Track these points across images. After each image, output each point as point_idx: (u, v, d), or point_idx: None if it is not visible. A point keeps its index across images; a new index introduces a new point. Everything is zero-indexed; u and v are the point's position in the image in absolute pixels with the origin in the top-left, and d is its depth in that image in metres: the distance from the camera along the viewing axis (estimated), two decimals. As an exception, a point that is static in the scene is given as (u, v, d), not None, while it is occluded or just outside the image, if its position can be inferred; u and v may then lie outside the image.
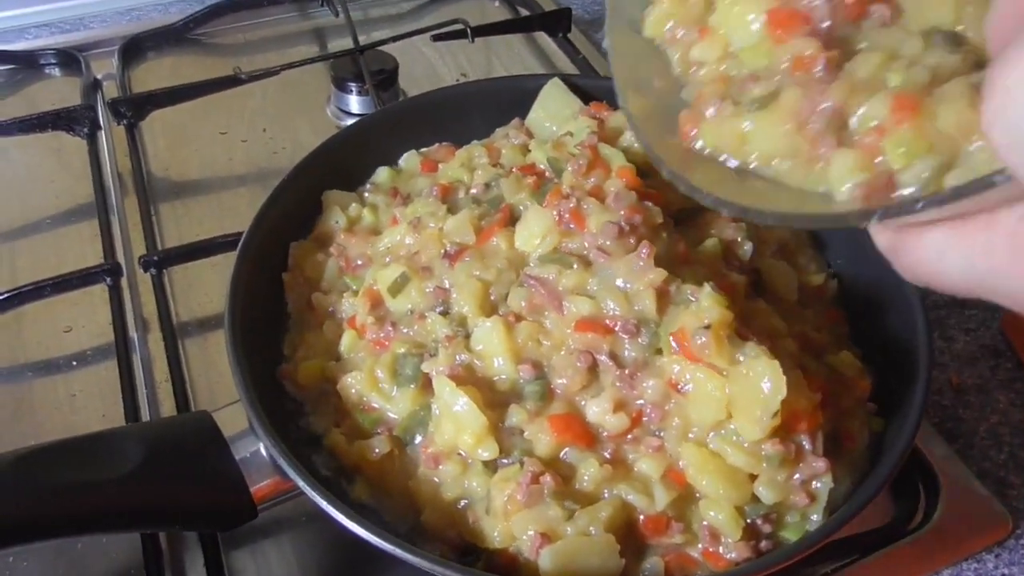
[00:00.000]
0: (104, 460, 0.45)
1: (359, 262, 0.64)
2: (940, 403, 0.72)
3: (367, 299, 0.60)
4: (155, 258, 0.75)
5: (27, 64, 0.99)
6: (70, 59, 0.98)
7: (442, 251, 0.58)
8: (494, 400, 0.52)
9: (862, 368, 0.58)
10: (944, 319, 0.78)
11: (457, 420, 0.51)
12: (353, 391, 0.56)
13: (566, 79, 0.73)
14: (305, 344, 0.62)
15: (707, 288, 0.50)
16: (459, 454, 0.51)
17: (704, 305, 0.49)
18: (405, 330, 0.57)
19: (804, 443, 0.50)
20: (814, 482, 0.50)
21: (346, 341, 0.59)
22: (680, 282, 0.52)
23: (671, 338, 0.50)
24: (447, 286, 0.57)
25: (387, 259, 0.61)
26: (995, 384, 0.73)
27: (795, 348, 0.56)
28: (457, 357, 0.53)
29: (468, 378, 0.52)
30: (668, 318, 0.51)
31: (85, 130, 0.88)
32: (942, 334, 0.77)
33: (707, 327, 0.48)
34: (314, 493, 0.47)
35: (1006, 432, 0.70)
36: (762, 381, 0.47)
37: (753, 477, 0.49)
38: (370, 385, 0.55)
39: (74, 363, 0.72)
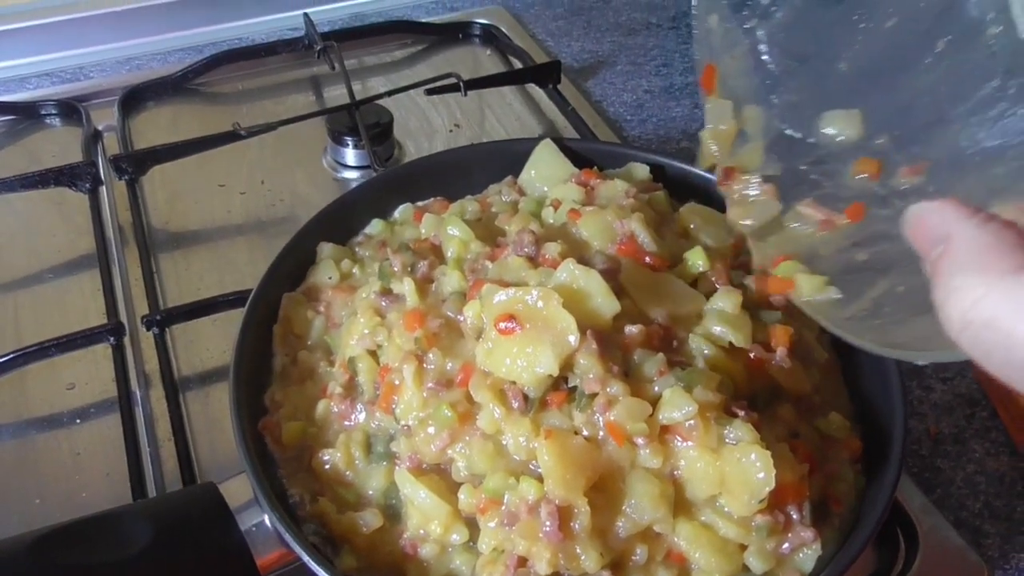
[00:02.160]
0: (115, 540, 0.47)
1: (340, 324, 0.65)
2: (919, 453, 0.75)
3: (343, 369, 0.61)
4: (157, 317, 0.77)
5: (28, 115, 1.01)
6: (71, 110, 1.00)
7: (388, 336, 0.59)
8: (459, 484, 0.53)
9: (851, 427, 0.60)
10: (922, 369, 0.81)
11: (422, 511, 0.53)
12: (328, 467, 0.57)
13: (559, 141, 0.76)
14: (289, 401, 0.62)
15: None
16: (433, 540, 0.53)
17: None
18: (359, 409, 0.58)
19: (792, 513, 0.52)
20: (801, 551, 0.52)
21: (320, 409, 0.60)
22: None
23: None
24: (396, 383, 0.57)
25: (353, 339, 0.61)
26: (971, 433, 0.76)
27: (792, 414, 0.58)
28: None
29: (432, 466, 0.54)
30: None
31: (87, 186, 0.89)
32: (920, 383, 0.80)
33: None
34: (325, 574, 0.49)
35: (982, 481, 0.73)
36: (755, 471, 0.49)
37: (743, 547, 0.51)
38: (346, 463, 0.57)
39: (77, 420, 0.73)
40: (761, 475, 0.48)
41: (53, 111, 1.01)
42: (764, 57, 0.54)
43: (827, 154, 0.52)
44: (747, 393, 0.58)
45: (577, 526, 0.49)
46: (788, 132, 0.51)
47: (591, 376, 0.51)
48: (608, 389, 0.51)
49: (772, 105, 0.55)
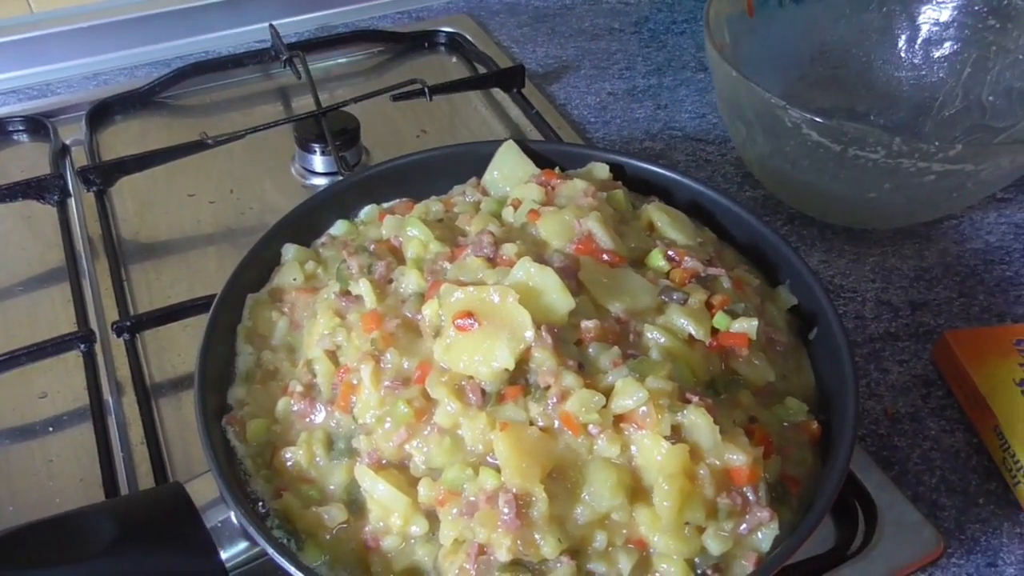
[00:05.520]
0: (78, 540, 0.47)
1: (303, 324, 0.66)
2: (877, 432, 0.77)
3: (305, 369, 0.62)
4: (128, 323, 0.77)
5: (-5, 132, 1.02)
6: (38, 125, 1.01)
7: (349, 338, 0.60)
8: (418, 478, 0.54)
9: (808, 411, 0.62)
10: (879, 352, 0.83)
11: (381, 504, 0.54)
12: (290, 464, 0.58)
13: (522, 143, 0.78)
14: (253, 400, 0.63)
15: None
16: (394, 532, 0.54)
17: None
18: (319, 409, 0.59)
19: (748, 495, 0.53)
20: (759, 531, 0.53)
21: (281, 407, 0.61)
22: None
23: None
24: (355, 383, 0.58)
25: (314, 340, 0.62)
26: (926, 412, 0.78)
27: (750, 400, 0.60)
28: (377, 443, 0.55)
29: (392, 461, 0.55)
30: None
31: (55, 198, 0.90)
32: (877, 366, 0.82)
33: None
34: (290, 566, 0.50)
35: (937, 457, 0.75)
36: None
37: (701, 529, 0.53)
38: (308, 461, 0.58)
39: (50, 428, 0.74)
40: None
41: (20, 127, 1.02)
42: None
43: None
44: (706, 379, 0.60)
45: (535, 513, 0.50)
46: None
47: (545, 369, 0.53)
48: (562, 381, 0.53)
49: None
